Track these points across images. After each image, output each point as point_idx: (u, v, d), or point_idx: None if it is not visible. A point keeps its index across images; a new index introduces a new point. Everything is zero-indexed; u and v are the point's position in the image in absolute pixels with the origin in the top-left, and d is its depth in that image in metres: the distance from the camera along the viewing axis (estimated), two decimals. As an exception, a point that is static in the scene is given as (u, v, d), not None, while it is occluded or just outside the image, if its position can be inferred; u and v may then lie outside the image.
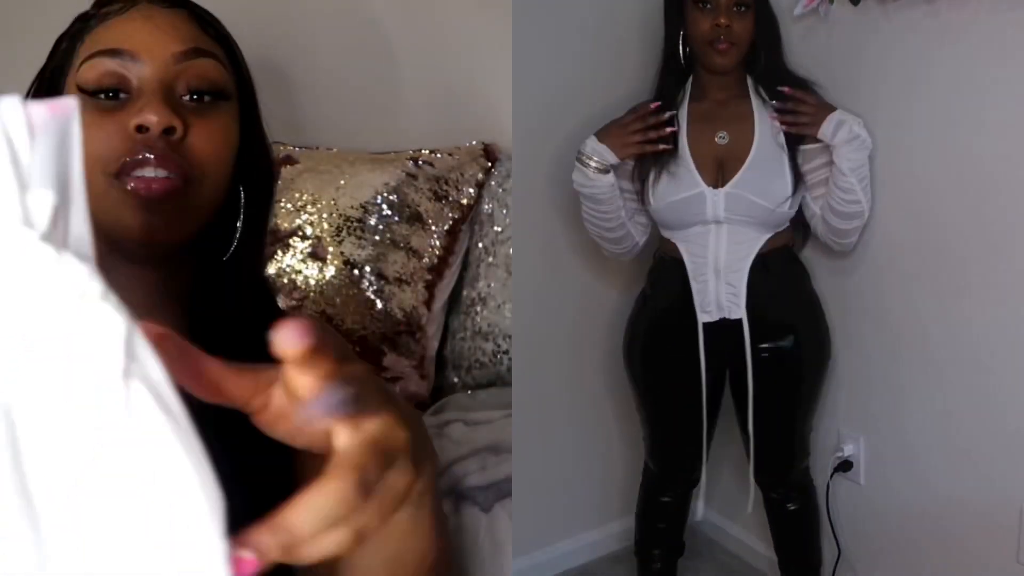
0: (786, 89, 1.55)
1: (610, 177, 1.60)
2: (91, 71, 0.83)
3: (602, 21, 1.85)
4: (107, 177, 0.80)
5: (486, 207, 1.80)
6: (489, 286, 1.79)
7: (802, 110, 1.54)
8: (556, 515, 2.09)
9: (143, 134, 0.80)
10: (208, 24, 0.90)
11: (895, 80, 1.55)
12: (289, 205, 1.76)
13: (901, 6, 1.52)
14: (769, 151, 1.57)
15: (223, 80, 0.87)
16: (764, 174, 1.56)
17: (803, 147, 1.58)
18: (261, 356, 0.87)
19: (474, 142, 1.86)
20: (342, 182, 1.79)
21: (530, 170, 1.82)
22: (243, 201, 0.92)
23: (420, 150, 1.83)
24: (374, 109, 1.92)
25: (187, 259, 0.89)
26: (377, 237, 1.76)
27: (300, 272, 1.72)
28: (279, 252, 1.73)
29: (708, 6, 1.53)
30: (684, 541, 1.90)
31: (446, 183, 1.80)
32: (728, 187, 1.55)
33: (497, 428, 1.57)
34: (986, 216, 1.49)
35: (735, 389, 1.70)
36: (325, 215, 1.74)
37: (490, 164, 1.84)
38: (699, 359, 1.64)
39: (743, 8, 1.53)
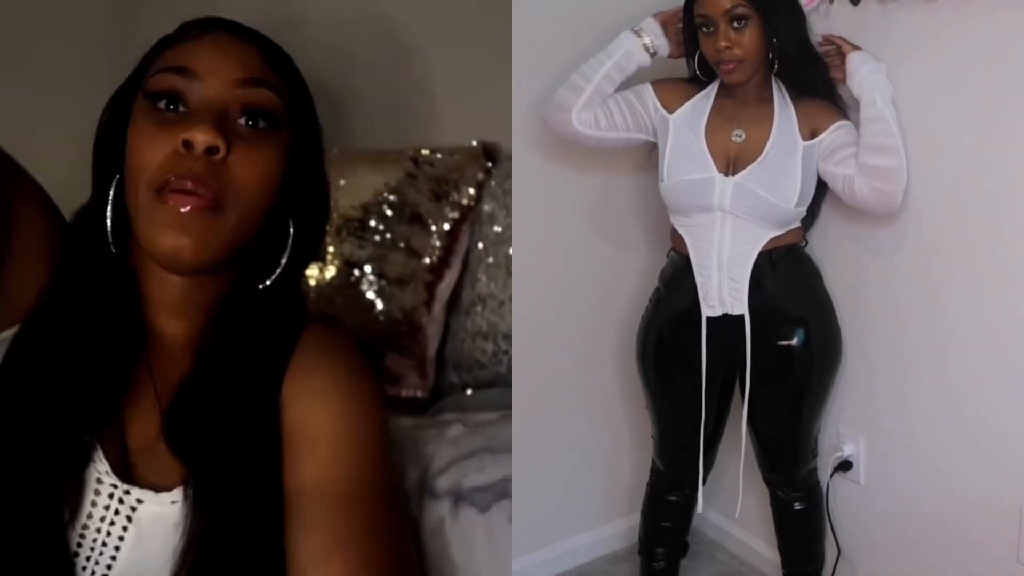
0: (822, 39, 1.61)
1: (645, 58, 1.66)
2: (156, 83, 0.89)
3: (602, 21, 1.85)
4: (150, 192, 0.85)
5: (486, 207, 1.80)
6: (489, 286, 1.79)
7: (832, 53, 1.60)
8: (556, 515, 2.09)
9: (188, 151, 0.84)
10: (276, 60, 0.96)
11: (894, 79, 1.54)
12: (289, 205, 1.76)
13: (901, 5, 1.52)
14: (782, 151, 1.57)
15: (279, 111, 0.92)
16: (774, 171, 1.56)
17: (817, 139, 1.57)
18: (268, 369, 0.92)
19: (474, 142, 1.86)
20: (342, 182, 1.79)
21: (530, 170, 1.82)
22: (292, 234, 0.96)
23: (420, 150, 1.83)
24: (374, 109, 1.92)
25: (223, 276, 0.93)
26: (377, 237, 1.76)
27: (300, 272, 1.72)
28: (279, 252, 1.73)
29: (710, 29, 1.53)
30: (687, 541, 1.90)
31: (446, 183, 1.80)
32: (738, 177, 1.55)
33: (496, 428, 1.57)
34: (988, 218, 1.49)
35: (744, 387, 1.70)
36: (325, 215, 1.75)
37: (490, 164, 1.84)
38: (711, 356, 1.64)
39: (742, 22, 1.50)
